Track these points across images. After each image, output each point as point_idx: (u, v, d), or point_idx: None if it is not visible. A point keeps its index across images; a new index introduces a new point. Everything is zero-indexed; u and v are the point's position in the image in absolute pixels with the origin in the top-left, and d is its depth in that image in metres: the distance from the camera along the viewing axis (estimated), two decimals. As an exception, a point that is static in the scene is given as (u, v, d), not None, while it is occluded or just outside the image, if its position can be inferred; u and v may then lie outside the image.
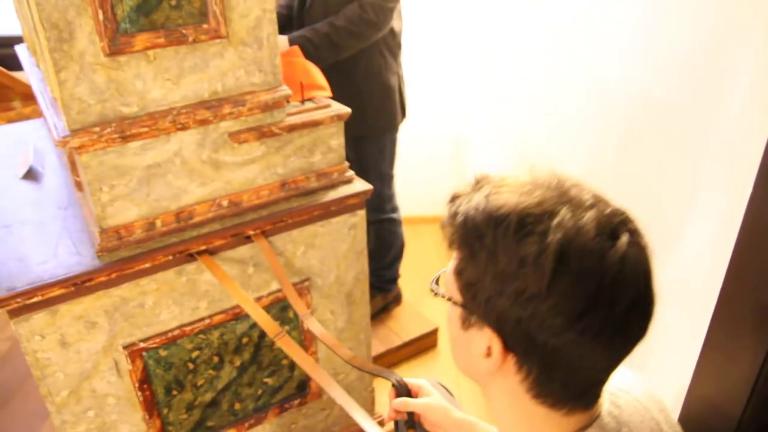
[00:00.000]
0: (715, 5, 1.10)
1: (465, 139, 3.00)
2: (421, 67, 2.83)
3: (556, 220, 0.61)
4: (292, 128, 1.42)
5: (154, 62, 1.23)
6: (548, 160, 1.43)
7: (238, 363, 1.55)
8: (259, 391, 1.62)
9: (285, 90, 1.38)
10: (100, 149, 1.22)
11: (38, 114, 2.50)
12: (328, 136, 1.50)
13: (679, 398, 1.12)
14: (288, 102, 1.51)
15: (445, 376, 2.21)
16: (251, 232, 1.41)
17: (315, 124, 1.45)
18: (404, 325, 2.27)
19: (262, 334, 1.55)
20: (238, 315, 1.48)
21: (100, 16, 1.14)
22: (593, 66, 1.46)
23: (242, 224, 1.40)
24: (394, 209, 2.21)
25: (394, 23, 1.92)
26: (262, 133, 1.39)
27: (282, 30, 1.98)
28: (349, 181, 1.56)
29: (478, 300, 0.67)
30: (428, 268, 2.89)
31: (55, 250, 1.32)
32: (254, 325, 1.52)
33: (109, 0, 1.14)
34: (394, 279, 2.34)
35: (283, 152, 1.45)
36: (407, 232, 3.13)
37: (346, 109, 1.49)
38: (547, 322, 0.61)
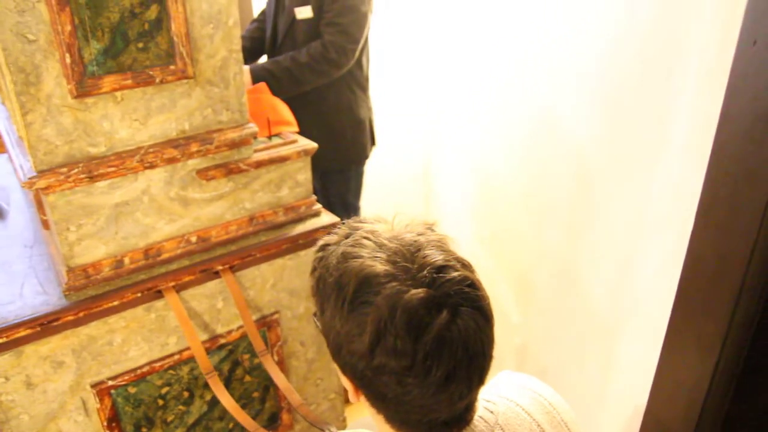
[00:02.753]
0: (653, 44, 1.16)
1: (431, 163, 3.05)
2: (387, 93, 2.89)
3: (384, 293, 0.66)
4: (259, 164, 1.45)
5: (121, 103, 1.25)
6: (505, 190, 1.50)
7: (208, 397, 1.55)
8: (231, 425, 1.62)
9: (252, 128, 1.41)
10: (67, 189, 1.23)
11: (2, 149, 2.47)
12: (296, 170, 1.53)
13: (638, 418, 1.17)
14: (255, 138, 1.54)
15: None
16: (219, 268, 1.43)
17: (282, 159, 1.48)
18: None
19: (233, 368, 1.55)
20: (208, 349, 1.48)
21: (68, 60, 1.15)
22: (545, 96, 1.52)
23: (210, 260, 1.42)
24: None
25: (362, 58, 1.97)
26: (229, 170, 1.41)
27: (244, 61, 2.03)
28: (316, 214, 1.59)
29: (330, 346, 0.75)
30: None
31: (20, 290, 1.31)
32: (224, 359, 1.53)
33: (76, 44, 1.16)
34: None
35: (250, 188, 1.47)
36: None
37: (313, 145, 1.53)
38: (377, 379, 0.68)
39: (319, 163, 2.03)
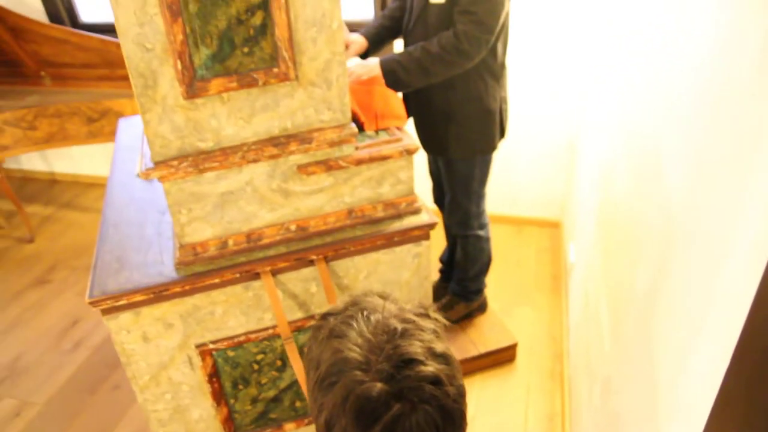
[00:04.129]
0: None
1: (572, 140, 2.84)
2: (528, 68, 2.71)
3: (346, 380, 0.68)
4: (360, 162, 1.47)
5: (228, 103, 1.33)
6: (654, 156, 1.35)
7: (301, 366, 1.68)
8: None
9: (352, 128, 1.42)
10: (179, 178, 1.36)
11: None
12: (397, 169, 1.52)
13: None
14: (362, 131, 1.56)
15: (517, 392, 2.21)
16: (314, 257, 1.50)
17: (383, 158, 1.48)
18: (484, 336, 2.28)
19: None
20: (300, 327, 1.60)
21: (179, 66, 1.25)
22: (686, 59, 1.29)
23: (306, 249, 1.50)
24: (482, 226, 2.18)
25: (497, 45, 1.84)
26: (329, 167, 1.45)
27: (383, 41, 2.01)
28: (416, 212, 1.58)
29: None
30: (527, 273, 2.84)
31: (145, 257, 1.51)
32: (316, 337, 1.63)
33: (187, 50, 1.24)
34: (479, 290, 2.34)
35: (351, 183, 1.50)
36: (512, 235, 3.10)
37: (415, 144, 1.50)
38: None
39: (443, 151, 1.99)
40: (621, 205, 1.74)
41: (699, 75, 1.09)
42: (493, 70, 1.86)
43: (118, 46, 2.96)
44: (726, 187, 0.94)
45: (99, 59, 3.11)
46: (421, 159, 2.32)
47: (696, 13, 1.12)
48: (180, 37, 1.22)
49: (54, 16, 3.34)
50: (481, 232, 2.17)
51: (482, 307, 2.39)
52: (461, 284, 2.29)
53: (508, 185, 3.04)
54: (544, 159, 2.95)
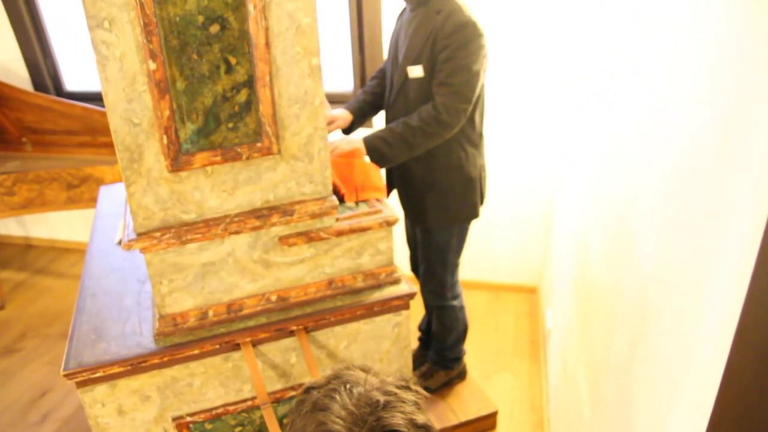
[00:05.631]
0: None
1: (548, 209, 2.92)
2: (505, 138, 2.81)
3: None
4: (340, 233, 1.50)
5: (211, 176, 1.36)
6: (626, 229, 1.40)
7: (279, 439, 1.65)
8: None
9: (333, 201, 1.45)
10: (161, 249, 1.37)
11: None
12: (377, 240, 1.55)
13: None
14: (343, 202, 1.59)
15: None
16: (294, 328, 1.51)
17: (363, 229, 1.51)
18: (464, 404, 2.27)
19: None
20: (279, 398, 1.58)
21: (165, 140, 1.28)
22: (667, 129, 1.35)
23: (287, 320, 1.50)
24: (455, 296, 2.20)
25: (475, 114, 1.92)
26: (310, 238, 1.48)
27: (365, 115, 2.08)
28: (396, 282, 1.60)
29: None
30: (506, 339, 2.85)
31: (123, 327, 1.50)
32: (295, 408, 1.61)
33: (174, 126, 1.28)
34: (458, 358, 2.34)
35: (331, 254, 1.53)
36: (490, 301, 3.13)
37: (395, 216, 1.54)
38: None
39: (425, 219, 2.03)
40: (596, 274, 1.78)
41: (668, 153, 1.15)
42: (472, 139, 1.94)
43: (101, 113, 3.02)
44: (695, 261, 0.98)
45: (81, 126, 3.14)
46: (399, 227, 2.36)
47: (667, 96, 1.19)
48: (167, 112, 1.26)
49: (39, 85, 3.40)
50: (455, 302, 2.19)
51: (462, 375, 2.38)
52: (440, 353, 2.30)
53: (486, 251, 3.08)
54: (520, 226, 3.01)
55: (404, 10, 1.98)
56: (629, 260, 1.43)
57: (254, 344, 1.50)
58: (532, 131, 2.80)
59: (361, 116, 2.09)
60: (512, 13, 2.57)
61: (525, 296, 3.15)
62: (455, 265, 2.13)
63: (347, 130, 2.08)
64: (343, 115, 2.04)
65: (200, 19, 1.23)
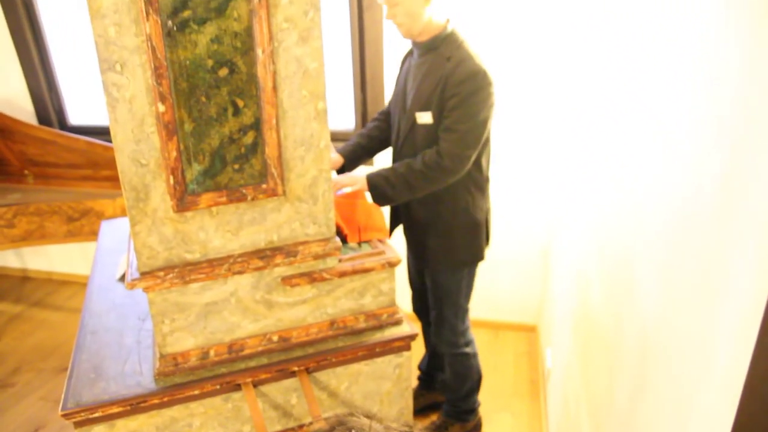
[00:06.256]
0: None
1: (547, 247, 2.93)
2: (505, 179, 2.84)
3: None
4: (343, 274, 1.50)
5: (216, 216, 1.36)
6: (626, 272, 1.40)
7: (278, 482, 1.62)
8: None
9: (336, 242, 1.46)
10: (164, 289, 1.37)
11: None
12: (380, 280, 1.56)
13: None
14: (346, 243, 1.60)
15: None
16: (296, 368, 1.50)
17: (366, 270, 1.52)
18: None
19: (303, 458, 1.62)
20: (278, 440, 1.56)
21: (172, 181, 1.29)
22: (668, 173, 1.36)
23: (288, 360, 1.49)
24: (468, 342, 2.19)
25: (482, 160, 1.93)
26: (313, 278, 1.48)
27: (358, 158, 2.10)
28: (397, 323, 1.60)
29: None
30: (506, 379, 2.83)
31: (123, 366, 1.49)
32: (294, 450, 1.59)
33: (180, 166, 1.29)
34: (472, 410, 2.31)
35: (333, 294, 1.53)
36: (489, 339, 3.11)
37: (398, 257, 1.55)
38: None
39: (432, 263, 2.04)
40: (596, 315, 1.78)
41: (670, 195, 1.16)
42: (478, 183, 1.95)
43: (104, 148, 3.04)
44: (699, 306, 0.99)
45: (84, 160, 3.17)
46: (401, 267, 2.36)
47: (670, 139, 1.21)
48: (174, 153, 1.28)
49: (43, 118, 3.43)
50: (468, 349, 2.17)
51: (477, 427, 2.34)
52: (454, 405, 2.27)
53: (484, 290, 3.08)
54: (519, 264, 3.02)
55: (411, 53, 2.01)
56: (630, 302, 1.43)
57: (255, 385, 1.49)
58: (531, 170, 2.82)
59: (353, 159, 2.10)
60: (513, 57, 2.62)
61: (524, 335, 3.13)
62: (465, 310, 2.12)
63: (338, 173, 2.10)
64: (334, 158, 2.05)
65: (210, 62, 1.25)
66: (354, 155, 2.11)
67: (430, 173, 1.79)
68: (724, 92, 0.91)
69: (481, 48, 1.90)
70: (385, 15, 1.89)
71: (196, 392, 1.44)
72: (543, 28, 2.56)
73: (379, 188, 1.81)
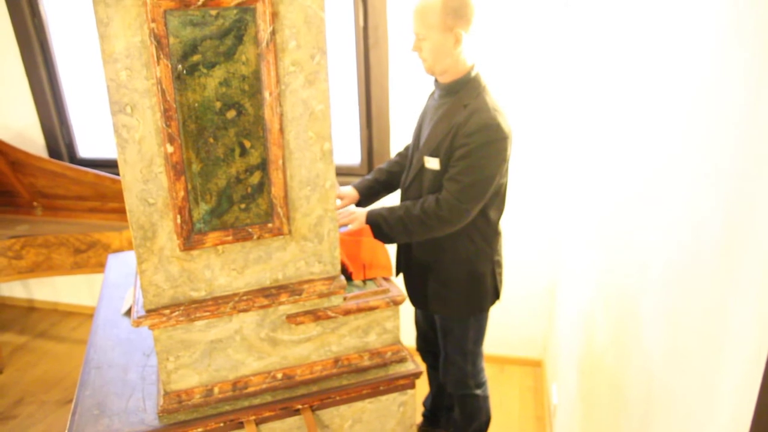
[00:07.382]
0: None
1: (552, 284, 2.93)
2: (511, 207, 2.85)
3: None
4: (347, 312, 1.51)
5: (222, 255, 1.38)
6: (631, 313, 1.39)
7: None
8: None
9: (341, 281, 1.47)
10: (169, 326, 1.38)
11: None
12: (384, 318, 1.56)
13: None
14: (351, 281, 1.61)
15: None
16: (300, 406, 1.49)
17: (370, 308, 1.52)
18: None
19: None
20: (281, 480, 1.55)
21: (179, 220, 1.31)
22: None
23: (292, 398, 1.49)
24: (479, 385, 2.15)
25: (490, 211, 1.91)
26: (318, 317, 1.48)
27: (375, 194, 2.10)
28: (402, 360, 1.60)
29: None
30: (511, 414, 2.80)
31: (127, 403, 1.49)
32: (297, 490, 1.58)
33: (188, 206, 1.31)
34: None
35: (338, 332, 1.53)
36: (494, 374, 3.09)
37: (402, 295, 1.55)
38: None
39: (425, 305, 2.02)
40: (602, 354, 1.77)
41: (674, 237, 1.17)
42: (484, 234, 1.92)
43: (112, 180, 3.08)
44: (704, 353, 0.99)
45: (92, 192, 3.20)
46: (406, 304, 2.36)
47: (674, 176, 1.22)
48: (182, 193, 1.30)
49: (54, 151, 3.48)
50: (478, 392, 2.13)
51: None
52: None
53: (490, 324, 3.06)
54: (525, 300, 3.01)
55: (434, 91, 1.99)
56: (635, 342, 1.43)
57: (259, 422, 1.48)
58: (536, 206, 2.84)
59: (370, 195, 2.09)
60: (514, 93, 2.66)
61: (530, 369, 3.11)
62: (475, 354, 2.09)
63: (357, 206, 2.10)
64: (350, 193, 2.05)
65: (218, 105, 1.28)
66: (371, 191, 2.10)
67: (427, 221, 1.78)
68: (728, 129, 0.92)
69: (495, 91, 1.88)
70: (411, 47, 1.85)
71: (200, 430, 1.43)
72: (550, 76, 2.60)
73: (377, 226, 1.80)
